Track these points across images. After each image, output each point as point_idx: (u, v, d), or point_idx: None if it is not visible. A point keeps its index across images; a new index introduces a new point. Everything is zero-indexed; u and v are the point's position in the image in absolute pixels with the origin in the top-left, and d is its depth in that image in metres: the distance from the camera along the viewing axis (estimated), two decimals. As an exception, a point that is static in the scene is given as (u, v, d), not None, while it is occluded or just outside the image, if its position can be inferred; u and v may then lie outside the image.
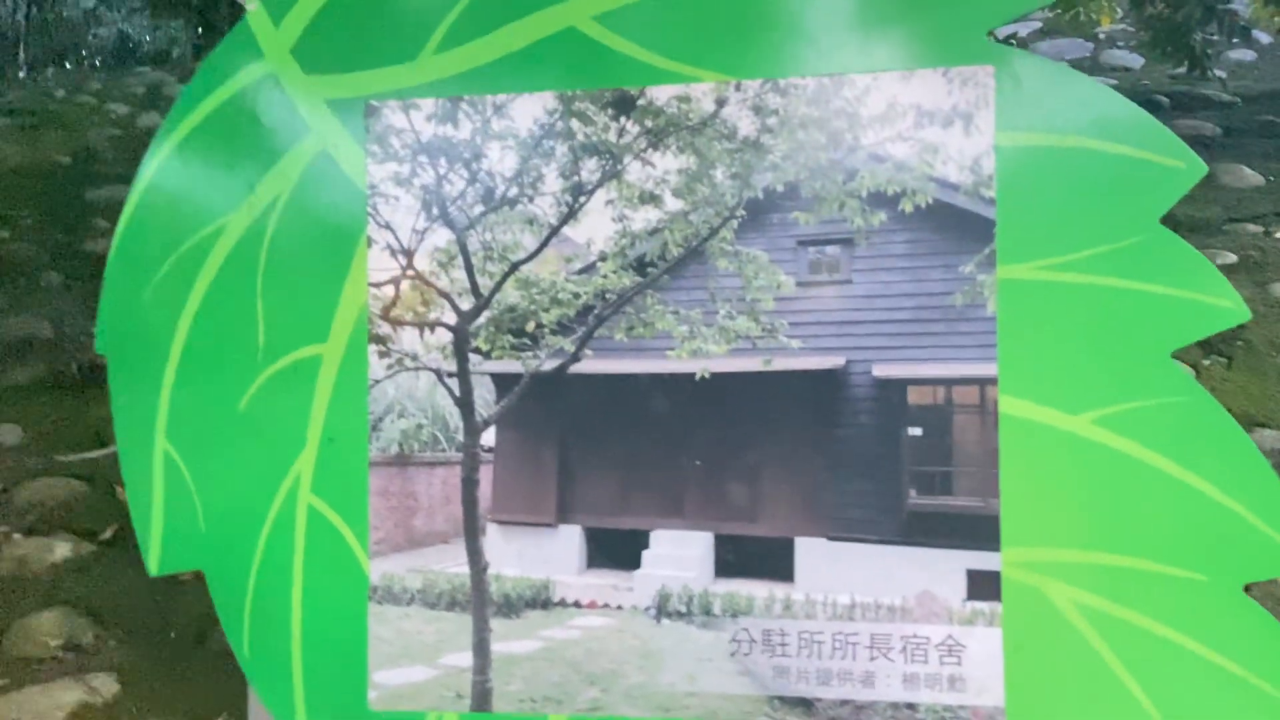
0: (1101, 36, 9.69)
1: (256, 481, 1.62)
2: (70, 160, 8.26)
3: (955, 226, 1.41)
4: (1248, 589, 1.33)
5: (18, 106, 10.17)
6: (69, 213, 6.93)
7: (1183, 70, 7.16)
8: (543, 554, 1.57)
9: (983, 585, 1.40)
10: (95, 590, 3.28)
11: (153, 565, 1.68)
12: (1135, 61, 9.03)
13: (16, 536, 3.60)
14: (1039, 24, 9.84)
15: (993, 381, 1.39)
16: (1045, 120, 1.39)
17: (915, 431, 1.45)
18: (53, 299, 5.66)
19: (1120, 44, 9.55)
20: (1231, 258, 4.98)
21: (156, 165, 1.70)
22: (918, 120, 1.42)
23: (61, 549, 3.49)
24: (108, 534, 3.57)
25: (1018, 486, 1.39)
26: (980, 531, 1.40)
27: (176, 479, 1.66)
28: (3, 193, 7.32)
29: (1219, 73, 7.50)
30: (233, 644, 1.64)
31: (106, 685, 2.80)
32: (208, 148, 1.68)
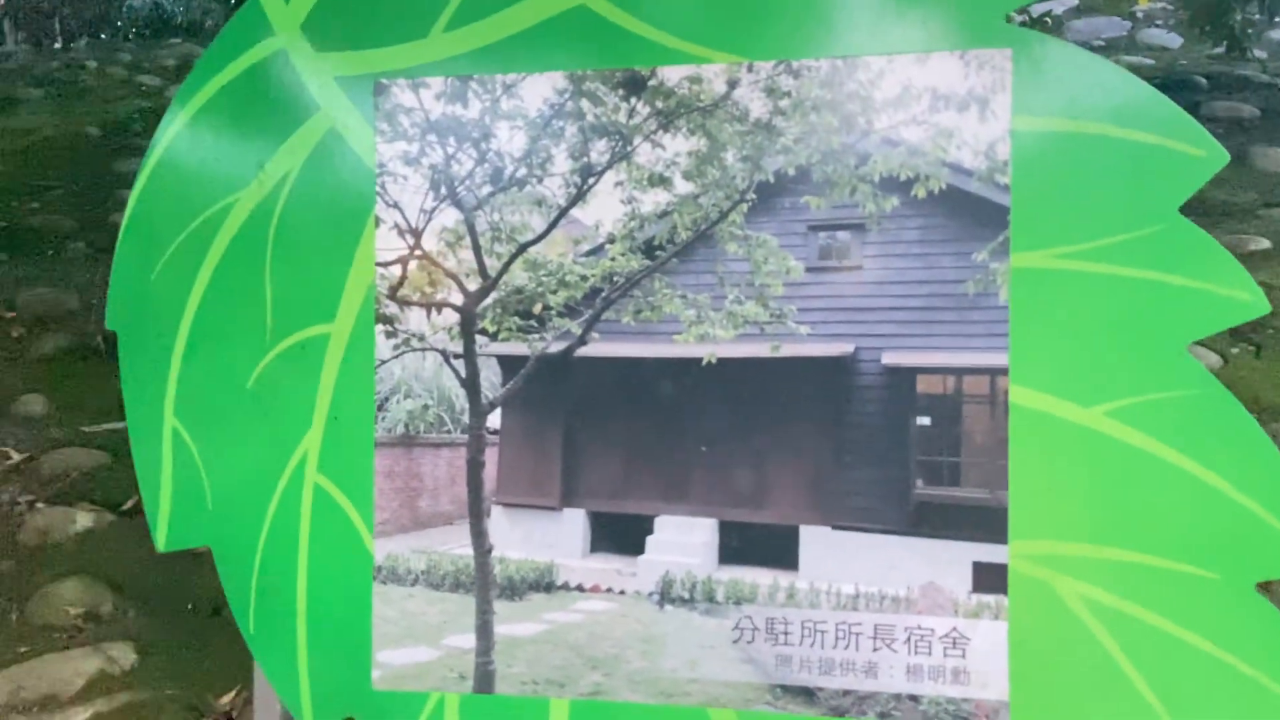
0: (1139, 15, 9.52)
1: (264, 459, 1.63)
2: (100, 132, 8.31)
3: (969, 213, 1.39)
4: (1262, 587, 1.31)
5: (50, 78, 10.25)
6: (97, 184, 6.98)
7: (1221, 50, 7.03)
8: (547, 537, 1.57)
9: (989, 578, 1.38)
10: (115, 560, 3.32)
11: (160, 541, 1.69)
12: (1173, 41, 8.87)
13: (40, 506, 3.65)
14: (1075, 1, 9.68)
15: (1004, 371, 1.37)
16: (1064, 105, 1.35)
17: (924, 421, 1.43)
18: (80, 270, 5.71)
19: (1158, 23, 9.38)
20: (1265, 243, 4.88)
21: (168, 141, 1.70)
22: (933, 104, 1.39)
23: (83, 519, 3.54)
24: (128, 505, 3.61)
25: (1027, 478, 1.37)
26: (988, 523, 1.38)
27: (185, 456, 1.67)
28: (33, 164, 7.38)
29: (1259, 53, 7.36)
30: (239, 621, 1.65)
31: (124, 655, 2.84)
32: (218, 124, 1.67)
